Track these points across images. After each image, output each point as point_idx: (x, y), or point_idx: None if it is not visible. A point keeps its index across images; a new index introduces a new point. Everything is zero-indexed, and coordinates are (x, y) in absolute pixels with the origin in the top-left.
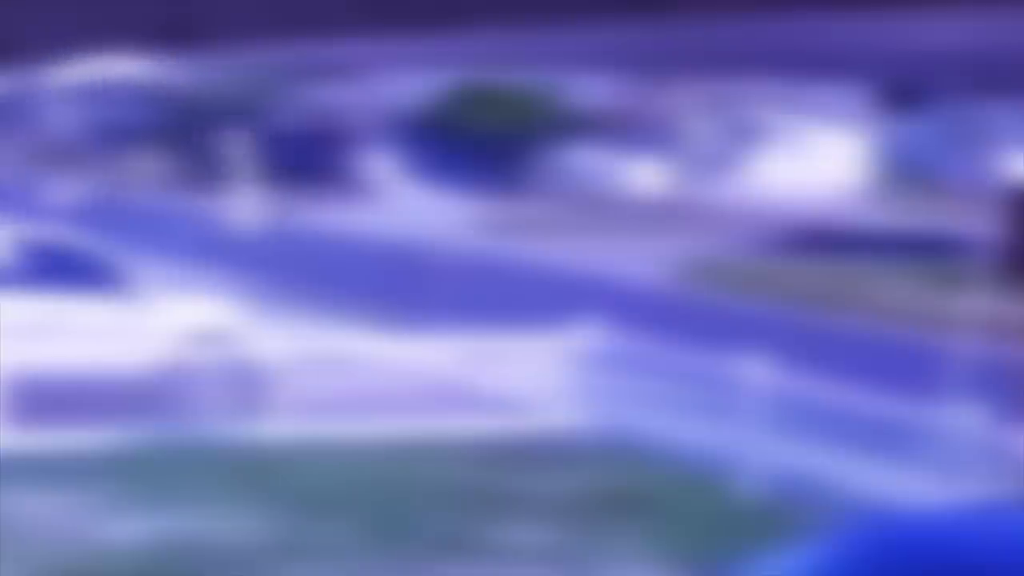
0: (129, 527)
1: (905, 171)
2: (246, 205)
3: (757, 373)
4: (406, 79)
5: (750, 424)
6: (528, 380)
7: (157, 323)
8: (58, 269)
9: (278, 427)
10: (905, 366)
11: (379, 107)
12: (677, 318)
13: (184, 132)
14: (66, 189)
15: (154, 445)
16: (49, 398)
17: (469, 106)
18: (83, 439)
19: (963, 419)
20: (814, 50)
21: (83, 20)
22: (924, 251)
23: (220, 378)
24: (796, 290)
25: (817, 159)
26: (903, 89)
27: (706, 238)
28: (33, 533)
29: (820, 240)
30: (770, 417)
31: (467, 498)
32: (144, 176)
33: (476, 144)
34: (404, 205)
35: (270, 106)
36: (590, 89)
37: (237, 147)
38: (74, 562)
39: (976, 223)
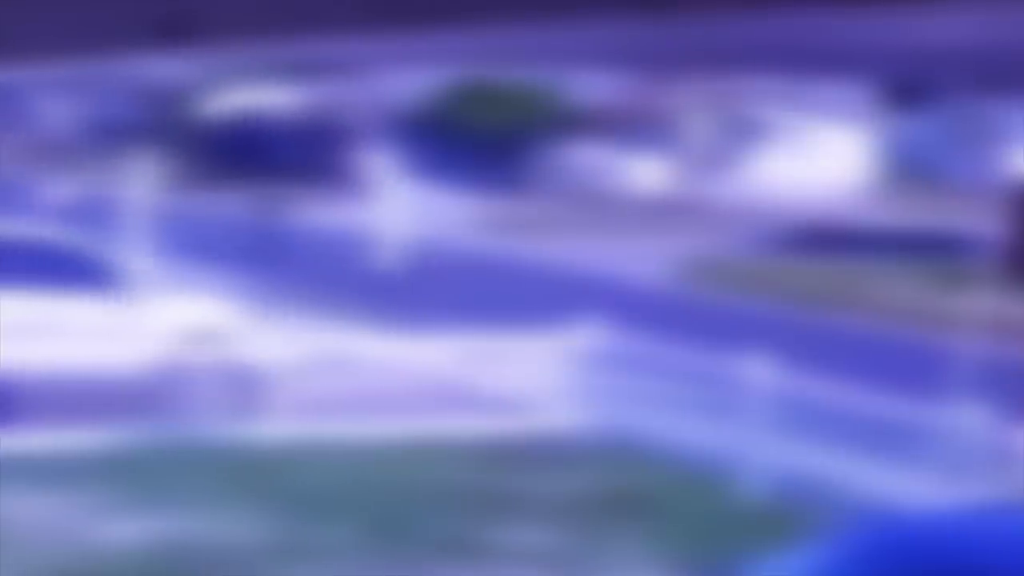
0: (126, 528)
1: (908, 169)
2: (244, 204)
3: (759, 373)
4: (406, 76)
5: (752, 424)
6: (528, 380)
7: (154, 323)
8: (54, 268)
9: (276, 427)
10: (908, 366)
11: (379, 105)
12: (678, 317)
13: (181, 130)
14: (62, 187)
15: (151, 445)
16: (46, 398)
17: (469, 103)
18: (80, 439)
19: (967, 419)
20: (817, 47)
21: (81, 16)
22: (927, 250)
23: (218, 378)
24: (798, 289)
25: (820, 157)
26: (906, 86)
27: (708, 237)
28: (29, 534)
29: (823, 239)
30: (772, 417)
31: (467, 499)
32: (141, 174)
33: (476, 142)
34: (404, 203)
35: (269, 104)
36: (591, 86)
37: (234, 145)
38: (71, 563)
39: (980, 222)
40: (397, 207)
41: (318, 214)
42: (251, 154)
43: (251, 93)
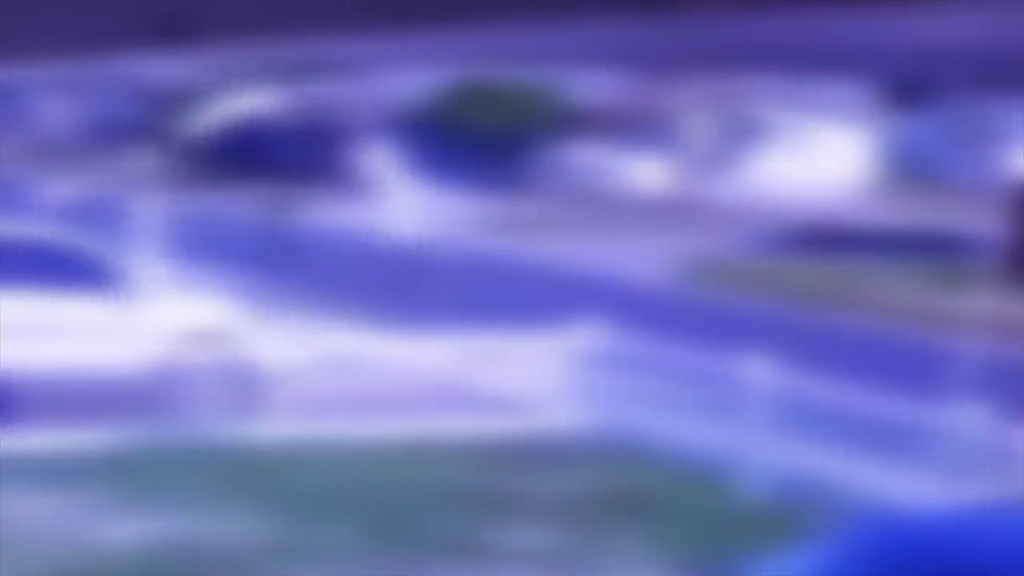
0: (126, 528)
1: (909, 169)
2: (248, 204)
3: (759, 373)
4: (406, 76)
5: (752, 424)
6: (528, 380)
7: (154, 323)
8: (54, 268)
9: (276, 428)
10: (908, 366)
11: (379, 104)
12: (678, 317)
13: (180, 129)
14: (62, 187)
15: (151, 446)
16: (46, 398)
17: (469, 103)
18: (80, 439)
19: (967, 419)
20: (817, 47)
21: (81, 16)
22: (928, 250)
23: (218, 378)
24: (798, 289)
25: (820, 157)
26: (907, 86)
27: (708, 237)
28: (29, 534)
29: (823, 239)
30: (772, 417)
31: (467, 499)
32: (141, 174)
33: (476, 142)
34: (403, 203)
35: (269, 103)
36: (591, 86)
37: (233, 144)
38: (71, 563)
39: (980, 221)
40: (397, 207)
41: (318, 214)
42: (250, 154)
43: (251, 93)
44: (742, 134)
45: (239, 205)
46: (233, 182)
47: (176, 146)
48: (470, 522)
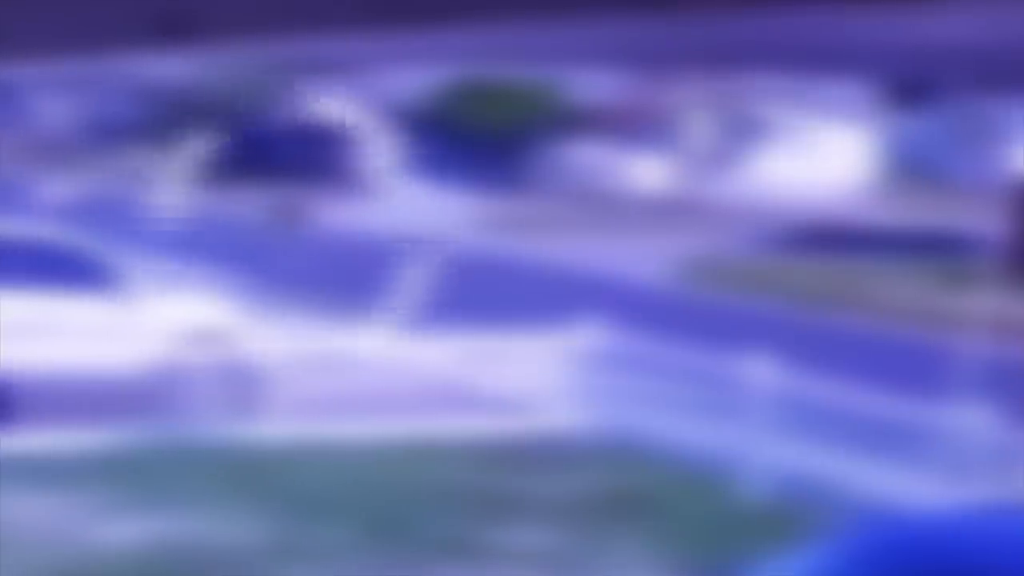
0: (126, 528)
1: (910, 168)
2: (244, 203)
3: (760, 373)
4: (407, 75)
5: (753, 424)
6: (529, 380)
7: (152, 322)
8: (54, 268)
9: (275, 427)
10: (910, 366)
11: (379, 104)
12: (679, 317)
13: (180, 128)
14: (62, 187)
15: (150, 446)
16: (46, 398)
17: (470, 102)
18: (80, 439)
19: (969, 419)
20: (818, 46)
21: (80, 15)
22: (929, 249)
23: (217, 378)
24: (800, 289)
25: (822, 156)
26: (908, 86)
27: (709, 236)
28: (27, 535)
29: (824, 238)
30: (773, 417)
31: (467, 499)
32: (139, 173)
33: (477, 141)
34: (404, 202)
35: (268, 102)
36: (592, 85)
37: (232, 143)
38: (71, 563)
39: (981, 221)
40: (397, 206)
41: (325, 215)
42: (250, 154)
43: (252, 93)
44: (743, 133)
45: (239, 205)
46: (233, 182)
47: (176, 146)
48: (470, 522)
